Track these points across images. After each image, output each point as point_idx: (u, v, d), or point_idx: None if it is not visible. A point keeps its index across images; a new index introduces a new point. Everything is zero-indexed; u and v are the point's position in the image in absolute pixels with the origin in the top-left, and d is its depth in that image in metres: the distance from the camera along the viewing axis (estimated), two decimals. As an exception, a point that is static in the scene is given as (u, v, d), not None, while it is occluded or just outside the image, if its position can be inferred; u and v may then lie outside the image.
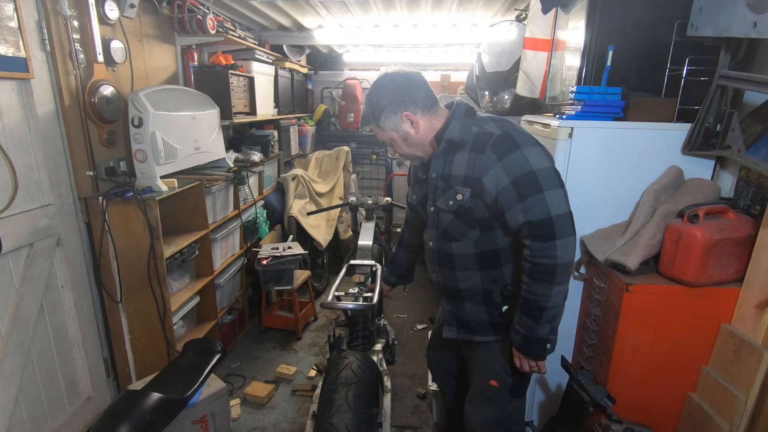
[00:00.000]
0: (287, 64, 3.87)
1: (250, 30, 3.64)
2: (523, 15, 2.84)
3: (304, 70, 4.46)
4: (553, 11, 2.07)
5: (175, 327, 2.29)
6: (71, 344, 2.07)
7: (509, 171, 1.22)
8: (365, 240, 2.64)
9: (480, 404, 1.45)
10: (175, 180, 2.26)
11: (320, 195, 4.09)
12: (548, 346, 1.28)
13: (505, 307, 1.39)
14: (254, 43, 3.32)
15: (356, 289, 1.95)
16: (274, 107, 3.62)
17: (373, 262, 2.10)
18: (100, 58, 2.05)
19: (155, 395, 1.55)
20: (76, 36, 1.95)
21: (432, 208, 1.41)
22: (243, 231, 3.06)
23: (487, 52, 2.81)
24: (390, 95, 1.31)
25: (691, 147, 1.65)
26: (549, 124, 1.81)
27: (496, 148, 1.24)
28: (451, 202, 1.31)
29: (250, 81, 3.05)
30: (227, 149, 2.88)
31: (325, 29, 3.74)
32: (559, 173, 1.26)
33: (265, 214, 3.37)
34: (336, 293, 1.84)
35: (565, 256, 1.21)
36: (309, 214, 3.55)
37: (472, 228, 1.33)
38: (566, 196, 1.24)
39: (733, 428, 1.43)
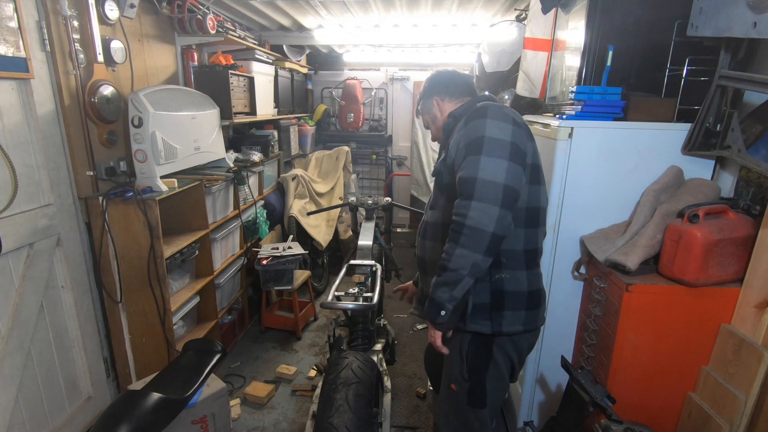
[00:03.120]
0: (287, 64, 3.87)
1: (250, 30, 3.64)
2: (523, 15, 2.84)
3: (304, 70, 4.46)
4: (553, 11, 2.07)
5: (175, 327, 2.29)
6: (71, 344, 2.07)
7: (467, 135, 1.26)
8: (365, 240, 2.63)
9: (444, 407, 1.47)
10: (175, 180, 2.26)
11: (320, 195, 4.09)
12: (442, 312, 1.23)
13: None
14: (254, 43, 3.32)
15: (356, 289, 1.95)
16: (274, 107, 3.62)
17: (373, 262, 2.10)
18: (100, 58, 2.05)
19: (155, 395, 1.55)
20: (76, 36, 1.95)
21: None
22: (243, 231, 3.06)
23: (487, 52, 2.81)
24: (428, 83, 1.56)
25: (691, 147, 1.65)
26: (549, 124, 1.81)
27: (469, 117, 1.30)
28: (434, 167, 1.45)
29: (250, 81, 3.05)
30: (227, 149, 2.88)
31: (325, 29, 3.74)
32: (525, 153, 1.23)
33: (265, 214, 3.37)
34: (336, 293, 1.84)
35: (477, 219, 1.15)
36: (309, 214, 3.54)
37: (441, 194, 1.40)
38: (515, 172, 1.18)
39: (733, 428, 1.43)
